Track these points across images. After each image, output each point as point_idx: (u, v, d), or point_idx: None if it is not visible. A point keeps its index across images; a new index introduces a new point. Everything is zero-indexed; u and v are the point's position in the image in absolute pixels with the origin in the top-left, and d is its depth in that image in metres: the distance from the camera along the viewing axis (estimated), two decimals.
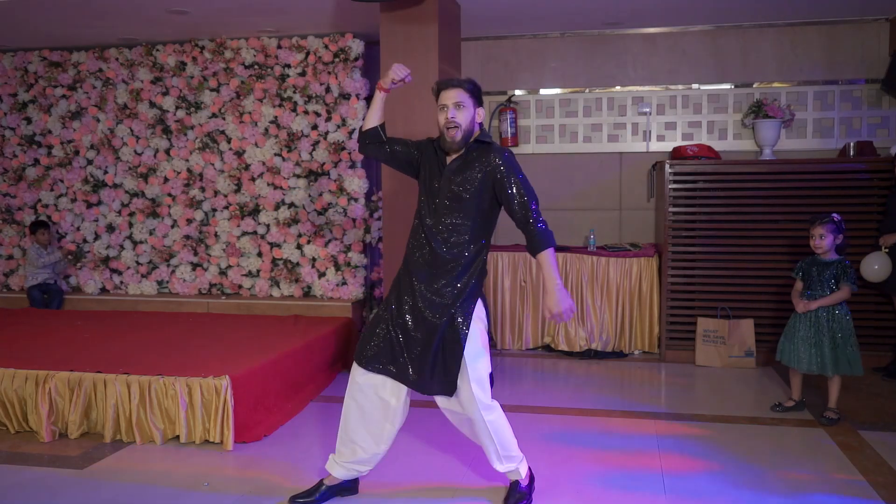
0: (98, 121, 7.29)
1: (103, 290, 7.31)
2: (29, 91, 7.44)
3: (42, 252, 7.07)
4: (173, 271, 7.18)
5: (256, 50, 6.85)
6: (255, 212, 6.97)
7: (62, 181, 7.39)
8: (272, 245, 6.94)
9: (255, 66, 6.88)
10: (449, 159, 3.20)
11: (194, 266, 7.13)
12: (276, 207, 6.91)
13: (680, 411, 4.70)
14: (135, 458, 3.92)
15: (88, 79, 7.27)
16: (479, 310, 3.18)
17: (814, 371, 4.40)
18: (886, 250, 5.13)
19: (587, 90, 6.81)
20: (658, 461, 3.82)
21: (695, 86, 6.62)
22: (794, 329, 4.47)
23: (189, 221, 7.11)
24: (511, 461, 3.25)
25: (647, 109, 6.65)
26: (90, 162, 7.33)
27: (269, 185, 6.90)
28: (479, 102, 3.17)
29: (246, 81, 6.89)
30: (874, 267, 5.05)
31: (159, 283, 7.23)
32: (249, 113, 6.90)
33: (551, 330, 6.33)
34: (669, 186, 6.00)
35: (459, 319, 3.09)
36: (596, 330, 6.21)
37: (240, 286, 7.03)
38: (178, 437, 4.10)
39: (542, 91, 6.89)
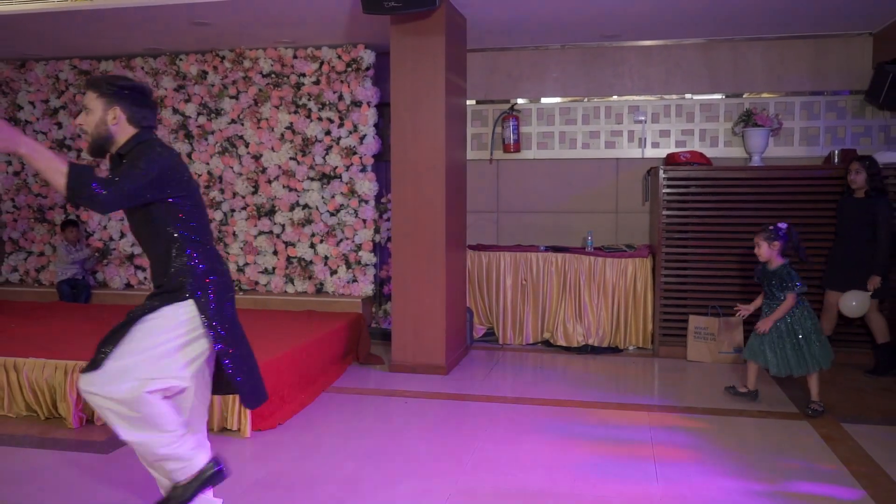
0: None
1: (128, 286, 7.35)
2: (60, 97, 7.48)
3: (71, 249, 7.10)
4: None
5: (273, 60, 6.88)
6: (271, 212, 7.00)
7: None
8: (287, 244, 6.97)
9: (272, 75, 6.90)
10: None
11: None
12: (291, 208, 6.94)
13: (672, 403, 4.70)
14: None
15: None
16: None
17: (782, 374, 4.45)
18: (870, 292, 5.12)
19: (586, 99, 6.81)
20: (651, 450, 3.83)
21: (688, 96, 6.62)
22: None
23: (209, 221, 7.15)
24: None
25: (643, 118, 6.65)
26: None
27: (284, 187, 6.93)
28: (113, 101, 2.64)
29: (263, 89, 6.91)
30: (852, 304, 5.12)
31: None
32: (266, 119, 6.93)
33: (550, 326, 6.34)
34: (663, 191, 6.01)
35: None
36: (593, 326, 6.21)
37: (256, 282, 7.05)
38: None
39: (543, 100, 6.89)
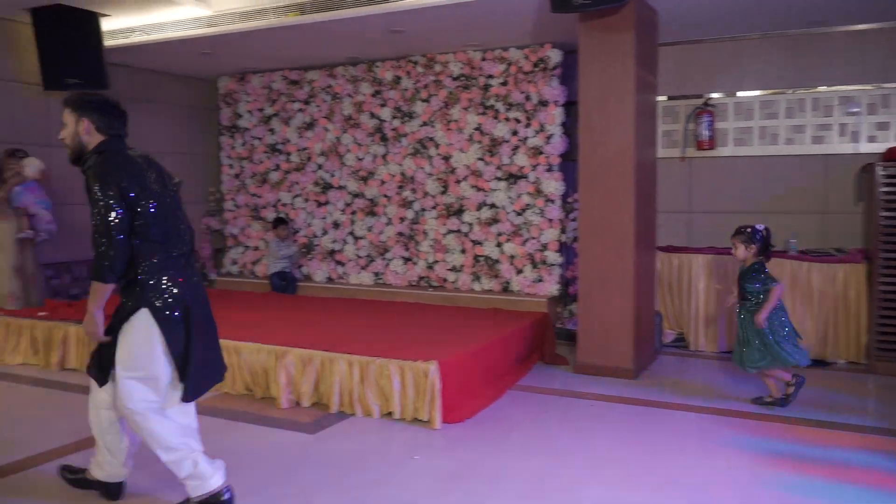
0: (327, 130, 7.86)
1: (329, 280, 7.88)
2: (272, 106, 8.17)
3: (281, 245, 7.74)
4: (388, 264, 7.58)
5: (463, 63, 7.05)
6: (459, 212, 7.18)
7: (297, 183, 8.05)
8: (474, 243, 7.12)
9: (462, 78, 7.08)
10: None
11: (406, 260, 7.48)
12: (479, 208, 7.08)
13: (891, 426, 4.24)
14: (356, 427, 4.20)
15: (320, 94, 7.86)
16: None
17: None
18: None
19: (790, 91, 6.32)
20: (865, 476, 3.48)
21: None
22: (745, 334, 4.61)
23: (402, 220, 7.47)
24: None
25: (857, 109, 6.05)
26: (320, 167, 7.92)
27: (472, 187, 7.08)
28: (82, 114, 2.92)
29: (453, 92, 7.11)
30: None
31: (375, 274, 7.66)
32: (456, 121, 7.12)
33: None
34: (881, 189, 5.42)
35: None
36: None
37: (445, 279, 7.28)
38: (391, 412, 4.33)
39: (741, 93, 6.48)
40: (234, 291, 7.66)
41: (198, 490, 2.93)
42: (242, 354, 4.74)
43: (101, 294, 2.81)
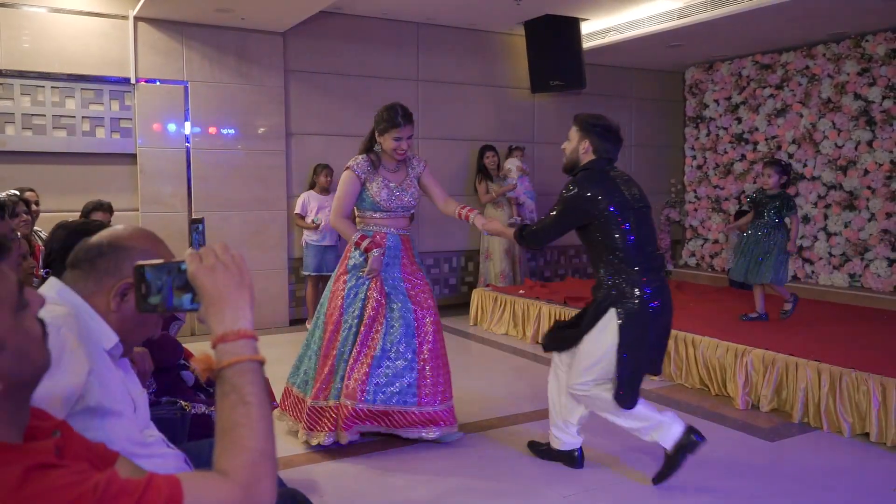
0: (801, 116, 7.22)
1: (794, 278, 7.27)
2: (741, 94, 7.82)
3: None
4: (867, 265, 6.67)
5: None
6: None
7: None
8: None
9: None
10: None
11: (890, 262, 6.48)
12: None
13: None
14: (820, 443, 3.82)
15: (795, 77, 7.25)
16: None
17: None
18: None
19: None
20: None
21: None
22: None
23: (888, 215, 6.48)
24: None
25: None
26: (791, 156, 7.33)
27: None
28: None
29: None
30: None
31: (851, 276, 6.81)
32: None
33: None
34: None
35: None
36: None
37: None
38: (867, 433, 3.82)
39: None
40: (691, 283, 7.61)
41: (666, 440, 3.11)
42: (700, 348, 4.69)
43: (506, 236, 3.64)
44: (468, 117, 7.52)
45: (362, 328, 3.58)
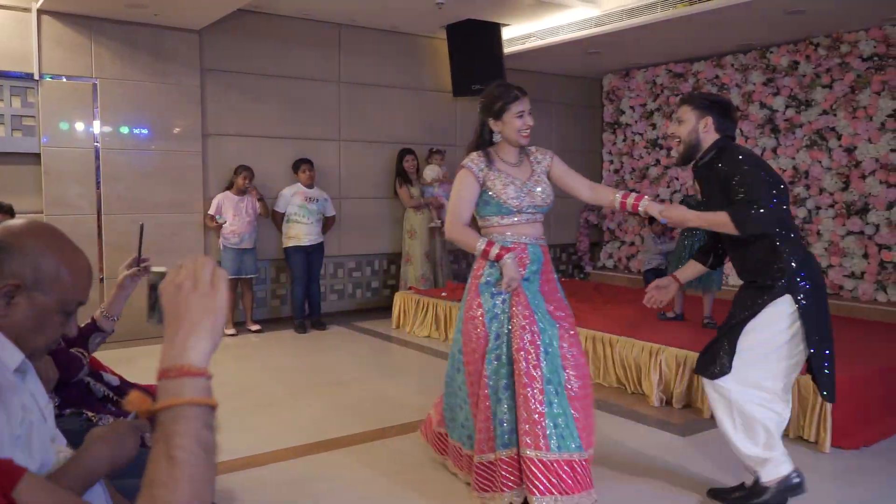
0: None
1: None
2: (655, 101, 8.10)
3: (658, 240, 7.65)
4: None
5: (877, 41, 6.17)
6: (862, 211, 6.32)
7: (677, 178, 7.87)
8: (881, 247, 6.20)
9: (874, 59, 6.20)
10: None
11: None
12: (889, 207, 6.14)
13: None
14: None
15: (705, 85, 7.56)
16: None
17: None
18: None
19: None
20: None
21: None
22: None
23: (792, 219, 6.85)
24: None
25: None
26: None
27: (881, 182, 6.17)
28: None
29: (863, 75, 6.26)
30: None
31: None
32: (864, 107, 6.26)
33: None
34: None
35: None
36: None
37: (841, 287, 6.48)
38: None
39: None
40: (608, 285, 7.82)
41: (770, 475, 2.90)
42: (616, 348, 4.82)
43: (695, 223, 2.93)
44: (391, 120, 7.51)
45: (516, 355, 2.90)
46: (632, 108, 8.34)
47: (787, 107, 6.87)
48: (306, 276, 6.56)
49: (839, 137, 6.46)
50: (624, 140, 8.47)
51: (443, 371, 5.35)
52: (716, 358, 2.89)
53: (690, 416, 4.32)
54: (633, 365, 4.70)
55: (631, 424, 4.17)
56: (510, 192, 2.94)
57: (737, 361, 2.84)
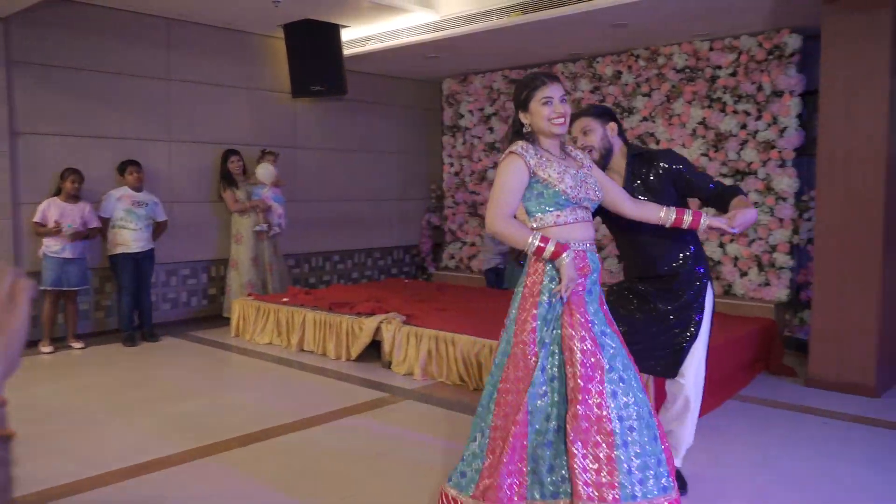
0: None
1: None
2: (493, 105, 8.37)
3: (496, 241, 7.91)
4: (604, 260, 7.45)
5: (688, 54, 6.72)
6: None
7: None
8: None
9: (686, 70, 6.75)
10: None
11: (619, 259, 7.31)
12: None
13: None
14: None
15: None
16: None
17: None
18: None
19: None
20: None
21: None
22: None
23: None
24: None
25: None
26: None
27: None
28: None
29: (677, 85, 6.81)
30: None
31: None
32: (678, 115, 6.81)
33: None
34: None
35: None
36: None
37: None
38: None
39: None
40: (450, 285, 7.97)
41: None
42: (458, 346, 4.92)
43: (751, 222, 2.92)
44: (225, 120, 7.23)
45: (575, 381, 2.38)
46: (470, 111, 8.57)
47: None
48: (135, 286, 6.15)
49: (658, 143, 6.99)
50: (463, 143, 8.69)
51: (288, 376, 5.25)
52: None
53: None
54: (475, 362, 4.82)
55: (470, 419, 4.26)
56: (567, 182, 2.50)
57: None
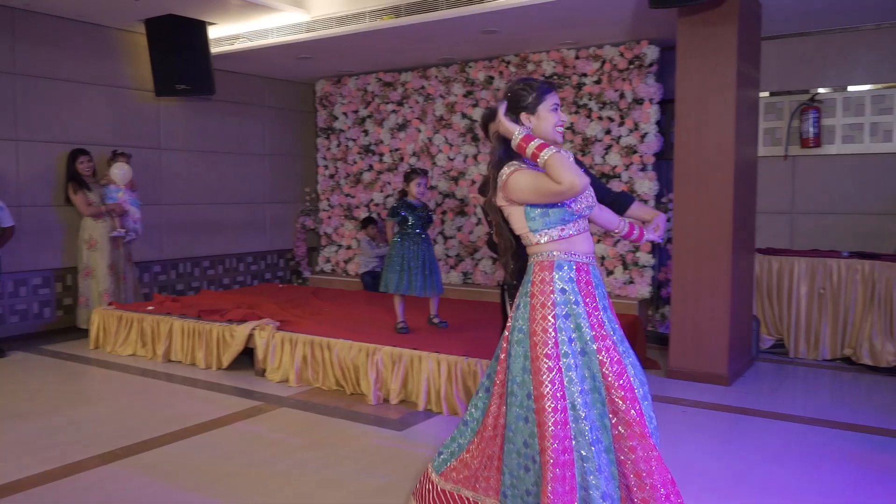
0: (419, 131, 7.94)
1: None
2: (367, 107, 8.33)
3: (373, 244, 7.88)
4: (476, 264, 7.59)
5: (556, 62, 6.98)
6: None
7: (390, 183, 8.17)
8: None
9: (555, 77, 7.01)
10: None
11: (495, 260, 7.47)
12: None
13: None
14: (441, 426, 4.22)
15: (413, 95, 7.95)
16: None
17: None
18: None
19: None
20: None
21: None
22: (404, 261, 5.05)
23: None
24: None
25: None
26: (412, 167, 8.02)
27: None
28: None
29: None
30: None
31: (464, 274, 7.68)
32: None
33: (853, 342, 5.62)
34: None
35: None
36: None
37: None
38: None
39: (851, 88, 6.12)
40: (326, 289, 7.87)
41: None
42: (335, 351, 4.85)
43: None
44: (81, 119, 6.77)
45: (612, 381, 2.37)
46: (345, 114, 8.49)
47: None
48: None
49: None
50: (338, 145, 8.59)
51: (154, 389, 4.98)
52: None
53: (406, 409, 4.50)
54: (351, 366, 4.77)
55: (350, 424, 4.23)
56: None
57: None
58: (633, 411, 2.34)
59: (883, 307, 5.47)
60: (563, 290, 2.42)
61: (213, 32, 6.97)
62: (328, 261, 8.72)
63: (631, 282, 6.62)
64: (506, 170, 2.49)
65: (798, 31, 6.24)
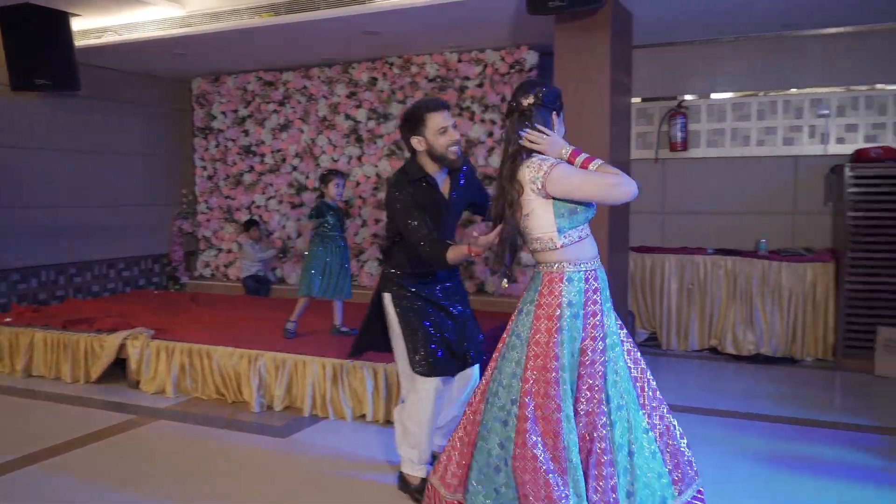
0: (302, 132, 7.81)
1: None
2: (247, 107, 8.10)
3: (256, 247, 7.67)
4: (362, 266, 7.54)
5: (439, 65, 7.04)
6: None
7: (272, 185, 7.99)
8: None
9: (438, 80, 7.07)
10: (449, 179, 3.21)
11: (381, 262, 7.45)
12: None
13: (861, 422, 4.29)
14: (328, 430, 4.17)
15: (295, 95, 7.81)
16: None
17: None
18: None
19: (762, 93, 6.38)
20: (834, 470, 3.51)
21: (879, 86, 6.01)
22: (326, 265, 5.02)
23: (377, 221, 7.44)
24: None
25: (826, 111, 6.12)
26: (295, 168, 7.87)
27: None
28: None
29: (429, 93, 7.10)
30: None
31: (351, 276, 7.61)
32: None
33: (718, 333, 6.01)
34: (849, 190, 5.50)
35: None
36: (766, 334, 5.82)
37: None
38: (364, 415, 4.30)
39: (714, 95, 6.54)
40: (206, 294, 7.58)
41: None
42: (214, 358, 4.68)
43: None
44: None
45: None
46: (223, 113, 8.22)
47: (368, 119, 7.46)
48: None
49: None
50: (217, 146, 8.30)
51: (12, 407, 4.62)
52: None
53: (291, 415, 4.40)
54: (233, 374, 4.62)
55: (232, 434, 4.09)
56: None
57: None
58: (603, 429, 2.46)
59: (743, 300, 5.88)
60: (570, 304, 2.48)
61: (78, 24, 6.56)
62: (207, 265, 8.41)
63: (514, 281, 6.77)
64: (542, 164, 2.51)
65: (666, 42, 6.60)
